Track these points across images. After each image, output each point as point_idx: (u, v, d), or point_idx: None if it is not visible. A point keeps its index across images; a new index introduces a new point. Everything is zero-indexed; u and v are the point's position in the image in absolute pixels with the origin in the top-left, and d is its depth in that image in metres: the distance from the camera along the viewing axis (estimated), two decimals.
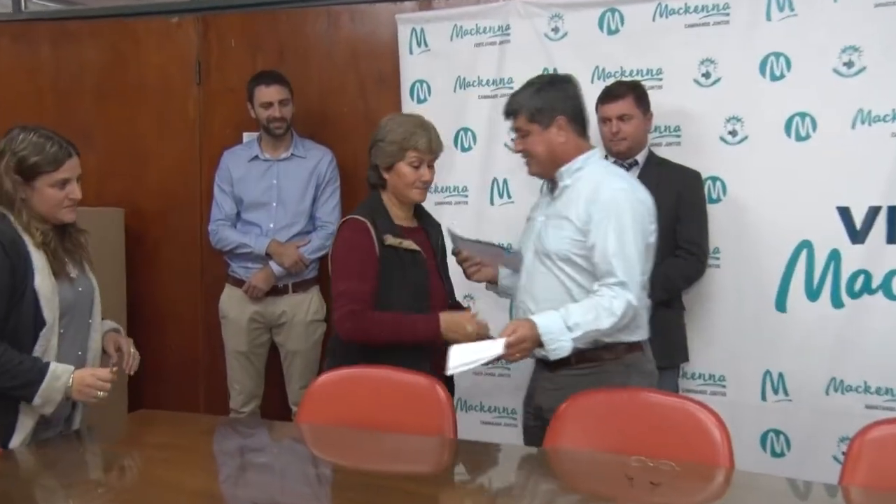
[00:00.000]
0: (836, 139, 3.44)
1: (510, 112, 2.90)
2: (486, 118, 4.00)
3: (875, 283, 3.40)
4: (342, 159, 4.25)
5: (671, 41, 3.68)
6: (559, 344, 2.66)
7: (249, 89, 4.16)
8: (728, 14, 3.59)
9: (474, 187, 4.08)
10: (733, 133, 3.61)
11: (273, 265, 4.11)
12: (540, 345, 2.67)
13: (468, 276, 3.18)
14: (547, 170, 2.89)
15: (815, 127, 3.48)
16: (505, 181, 4.02)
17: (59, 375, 2.51)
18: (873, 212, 3.39)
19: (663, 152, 3.66)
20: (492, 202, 4.05)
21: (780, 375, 3.56)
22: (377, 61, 4.34)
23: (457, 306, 3.20)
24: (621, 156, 3.50)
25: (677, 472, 2.28)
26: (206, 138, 4.64)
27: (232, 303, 4.24)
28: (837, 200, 3.44)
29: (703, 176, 3.57)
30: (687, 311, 3.62)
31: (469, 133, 4.08)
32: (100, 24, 4.84)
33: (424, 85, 4.16)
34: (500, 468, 2.56)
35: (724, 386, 3.66)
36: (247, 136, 4.43)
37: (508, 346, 2.62)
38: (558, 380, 2.79)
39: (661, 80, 3.71)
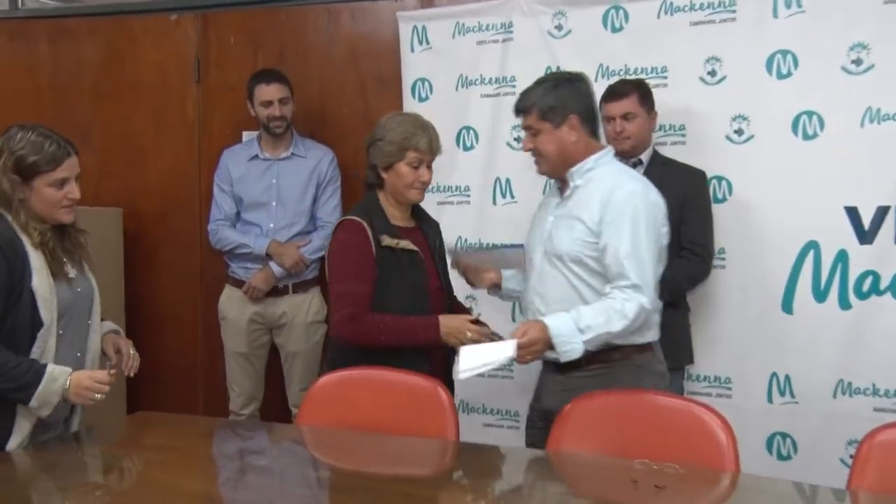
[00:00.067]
0: (844, 138, 3.42)
1: (521, 109, 2.86)
2: (489, 117, 3.99)
3: (883, 285, 3.38)
4: (343, 158, 4.23)
5: (676, 39, 3.66)
6: (570, 346, 2.64)
7: (249, 88, 4.14)
8: (734, 11, 3.57)
9: (476, 187, 4.06)
10: (739, 132, 3.59)
11: (273, 265, 4.09)
12: (551, 347, 2.65)
13: (471, 284, 3.17)
14: (556, 169, 2.85)
15: (822, 126, 3.46)
16: (508, 181, 4.00)
17: (57, 378, 2.48)
18: (882, 212, 3.37)
19: (668, 151, 3.63)
20: (494, 202, 4.04)
21: (787, 377, 3.54)
22: (378, 59, 4.33)
23: (457, 306, 3.18)
24: (625, 155, 3.47)
25: (682, 476, 2.26)
26: (205, 137, 4.63)
27: (231, 304, 4.22)
28: (845, 200, 3.42)
29: (709, 175, 3.55)
30: (692, 312, 3.60)
31: (471, 132, 4.06)
32: (97, 21, 4.82)
33: (426, 83, 4.14)
34: (502, 471, 2.55)
35: (729, 388, 3.64)
36: (246, 135, 4.42)
37: (519, 347, 2.60)
38: (568, 382, 2.76)
39: (665, 78, 3.69)
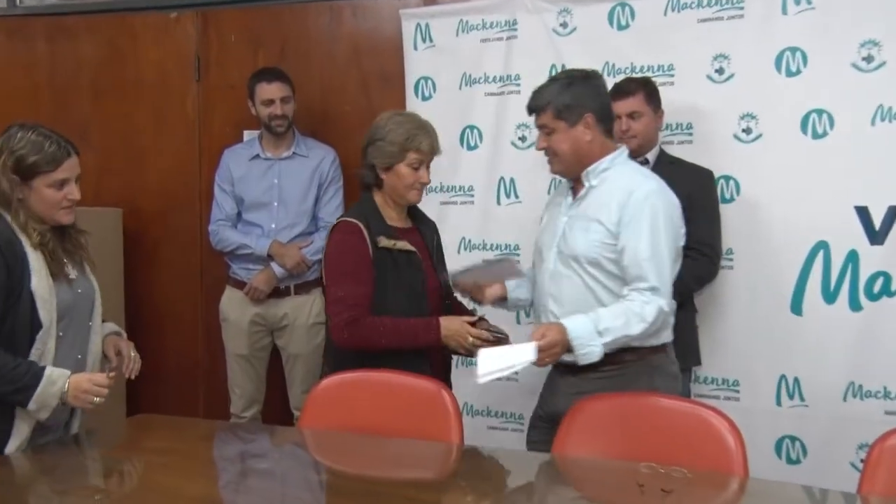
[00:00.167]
0: (855, 136, 3.39)
1: (535, 107, 2.83)
2: (493, 116, 3.97)
3: (895, 286, 3.35)
4: (345, 158, 4.19)
5: (683, 36, 3.63)
6: (589, 349, 2.63)
7: (250, 86, 4.12)
8: (742, 8, 3.54)
9: (480, 187, 4.04)
10: (747, 131, 3.56)
11: (275, 266, 4.07)
12: (569, 349, 2.63)
13: (477, 303, 3.13)
14: (570, 169, 2.83)
15: (832, 124, 3.43)
16: (512, 180, 3.97)
17: (55, 380, 2.46)
18: (893, 211, 3.34)
19: (675, 151, 3.61)
20: (498, 202, 4.01)
21: (796, 380, 3.51)
22: (381, 58, 4.31)
23: (457, 306, 3.15)
24: (631, 154, 3.41)
25: (689, 480, 2.24)
26: (205, 136, 4.62)
27: (233, 305, 4.20)
28: (855, 200, 3.39)
29: (716, 175, 3.53)
30: (699, 313, 3.57)
31: (475, 131, 4.03)
32: (96, 19, 4.80)
33: (429, 82, 4.12)
34: (506, 474, 2.54)
35: (737, 391, 3.61)
36: (247, 135, 4.40)
37: (538, 350, 2.57)
38: (581, 384, 2.74)
39: (672, 76, 3.66)
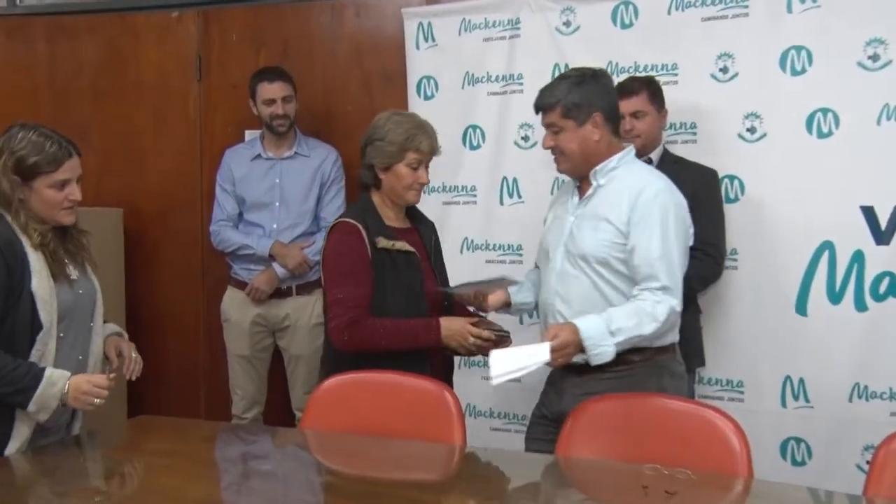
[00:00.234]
0: (860, 136, 3.36)
1: (543, 106, 2.82)
2: (496, 115, 3.96)
3: None
4: (347, 157, 4.18)
5: (687, 35, 3.62)
6: (601, 349, 2.62)
7: (252, 86, 4.11)
8: (747, 6, 3.52)
9: (483, 187, 4.02)
10: (752, 130, 3.54)
11: (276, 267, 4.06)
12: (581, 350, 2.62)
13: (481, 311, 3.10)
14: (578, 168, 2.82)
15: (837, 123, 3.40)
16: (515, 180, 3.96)
17: (55, 382, 2.46)
18: None
19: (678, 150, 3.59)
20: (501, 202, 4.00)
21: (801, 381, 3.49)
22: (383, 57, 4.31)
23: (456, 306, 3.12)
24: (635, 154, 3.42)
25: (694, 481, 2.23)
26: (206, 136, 4.62)
27: (234, 305, 4.20)
28: (861, 199, 3.36)
29: (720, 174, 3.51)
30: (703, 314, 3.55)
31: (478, 131, 4.02)
32: (97, 18, 4.80)
33: (431, 81, 4.11)
34: (508, 476, 2.53)
35: (742, 392, 3.59)
36: (249, 134, 4.40)
37: (551, 350, 2.55)
38: (587, 384, 2.73)
39: (676, 75, 3.65)
